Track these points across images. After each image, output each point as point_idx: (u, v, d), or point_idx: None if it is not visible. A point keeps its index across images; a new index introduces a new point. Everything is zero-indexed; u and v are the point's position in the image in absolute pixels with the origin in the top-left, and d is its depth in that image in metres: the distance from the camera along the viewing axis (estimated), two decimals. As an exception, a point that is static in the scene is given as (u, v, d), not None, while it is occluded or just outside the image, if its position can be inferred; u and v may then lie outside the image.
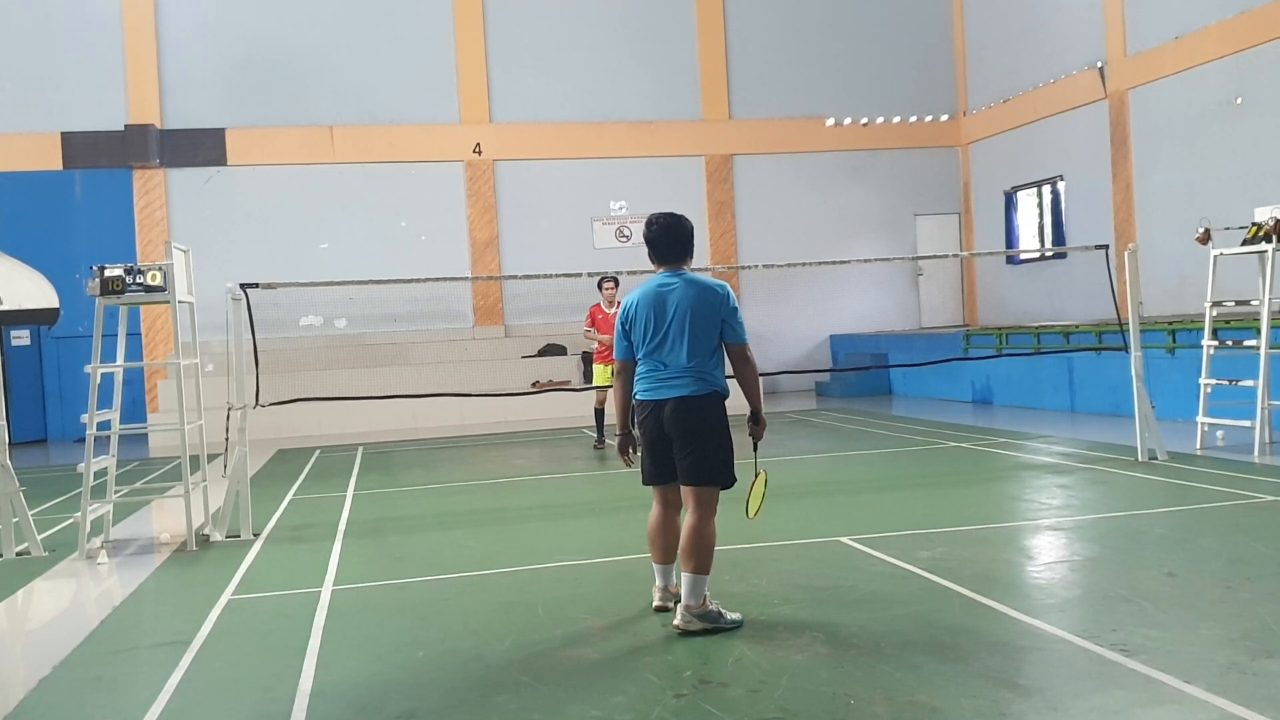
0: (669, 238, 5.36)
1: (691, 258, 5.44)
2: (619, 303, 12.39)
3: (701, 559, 5.10)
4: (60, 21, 18.72)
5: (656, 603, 5.46)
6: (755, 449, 5.52)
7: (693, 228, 5.43)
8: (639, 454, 5.47)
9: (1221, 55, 15.60)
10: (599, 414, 13.04)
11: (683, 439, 5.18)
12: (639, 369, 5.35)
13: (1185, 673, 4.19)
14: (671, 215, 5.40)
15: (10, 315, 9.35)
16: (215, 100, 19.20)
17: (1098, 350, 13.55)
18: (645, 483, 5.40)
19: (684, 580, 5.10)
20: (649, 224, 5.41)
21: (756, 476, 5.58)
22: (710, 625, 5.02)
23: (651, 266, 5.48)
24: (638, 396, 5.34)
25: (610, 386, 12.14)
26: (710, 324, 5.21)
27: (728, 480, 5.26)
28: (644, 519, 5.56)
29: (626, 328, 5.34)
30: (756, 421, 5.42)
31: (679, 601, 5.17)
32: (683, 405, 5.19)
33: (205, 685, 4.76)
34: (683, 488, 5.26)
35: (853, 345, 20.88)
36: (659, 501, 5.41)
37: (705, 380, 5.23)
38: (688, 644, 4.92)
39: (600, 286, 12.94)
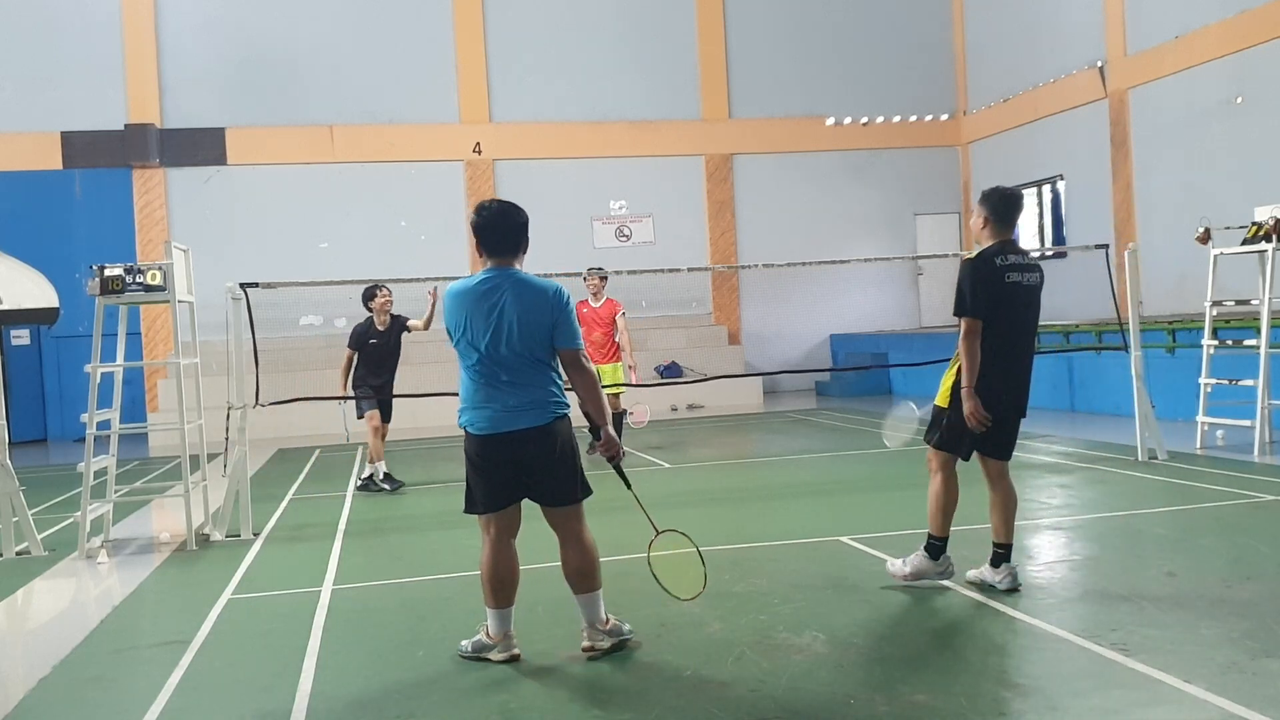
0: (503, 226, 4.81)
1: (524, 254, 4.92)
2: (610, 298, 11.66)
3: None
4: (60, 21, 18.71)
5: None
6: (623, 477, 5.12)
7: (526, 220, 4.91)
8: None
9: (1221, 55, 15.59)
10: (618, 419, 11.48)
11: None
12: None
13: (1185, 672, 4.19)
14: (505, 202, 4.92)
15: (10, 315, 9.34)
16: (215, 100, 19.19)
17: (1098, 350, 13.55)
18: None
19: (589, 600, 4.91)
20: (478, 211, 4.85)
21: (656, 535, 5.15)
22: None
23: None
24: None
25: (610, 387, 11.36)
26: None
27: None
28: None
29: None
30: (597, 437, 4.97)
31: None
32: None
33: (205, 685, 4.76)
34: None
35: (853, 345, 20.88)
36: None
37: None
38: (688, 644, 4.92)
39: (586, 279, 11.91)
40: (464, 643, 4.96)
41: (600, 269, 12.03)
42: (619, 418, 11.57)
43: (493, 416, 4.72)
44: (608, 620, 4.89)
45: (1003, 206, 5.50)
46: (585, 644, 4.84)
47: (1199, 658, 4.38)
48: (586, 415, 4.89)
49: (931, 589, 5.68)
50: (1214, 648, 4.50)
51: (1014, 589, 5.46)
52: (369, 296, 10.49)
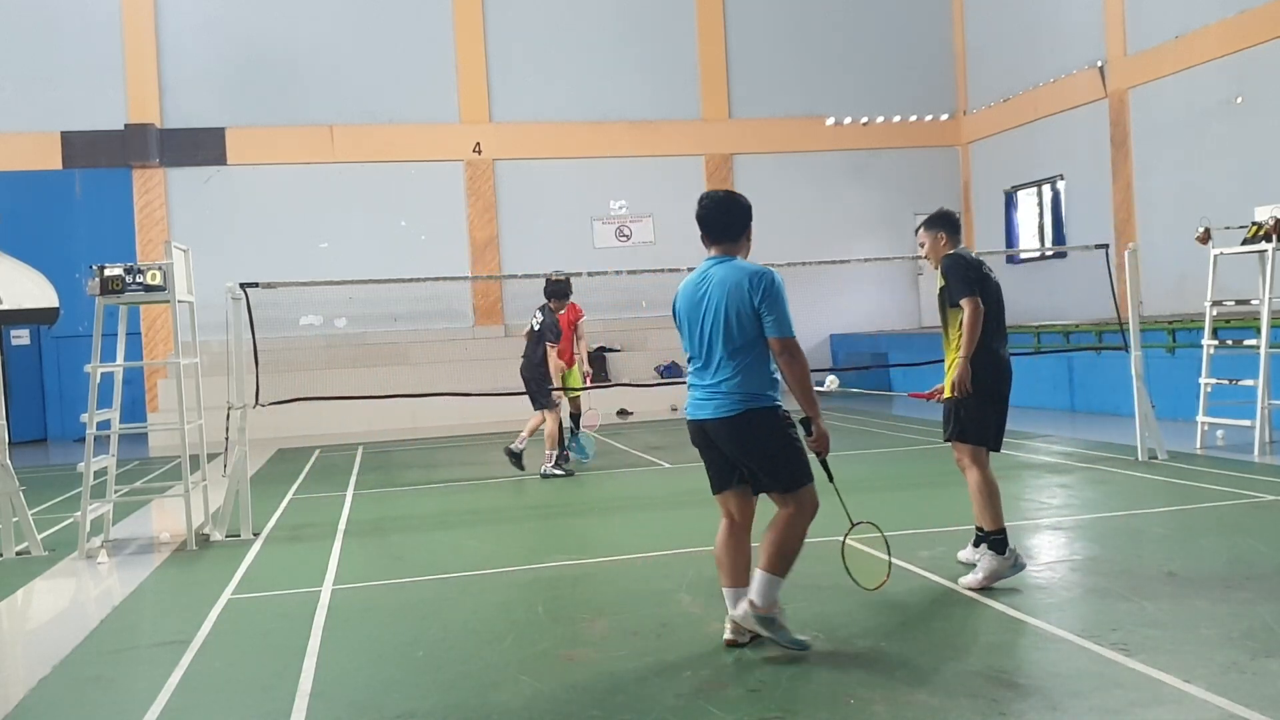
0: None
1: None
2: (572, 302, 11.35)
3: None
4: (60, 21, 18.71)
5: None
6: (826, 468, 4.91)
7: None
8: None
9: (1222, 54, 15.60)
10: (576, 420, 11.74)
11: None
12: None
13: (1185, 672, 4.19)
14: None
15: (10, 315, 9.35)
16: (215, 100, 19.19)
17: (1098, 350, 13.55)
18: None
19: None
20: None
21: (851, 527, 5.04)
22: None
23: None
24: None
25: (573, 390, 11.43)
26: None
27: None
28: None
29: None
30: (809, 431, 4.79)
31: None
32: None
33: (205, 685, 4.76)
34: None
35: (853, 344, 20.87)
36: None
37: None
38: (688, 644, 4.92)
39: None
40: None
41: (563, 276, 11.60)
42: (577, 419, 11.72)
43: (691, 403, 4.85)
44: (768, 608, 4.66)
45: (954, 222, 6.08)
46: (731, 614, 4.75)
47: (1199, 658, 4.38)
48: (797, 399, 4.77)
49: (930, 589, 5.68)
50: (1214, 648, 4.49)
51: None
52: (563, 289, 10.87)
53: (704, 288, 4.80)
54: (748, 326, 4.68)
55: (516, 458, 10.91)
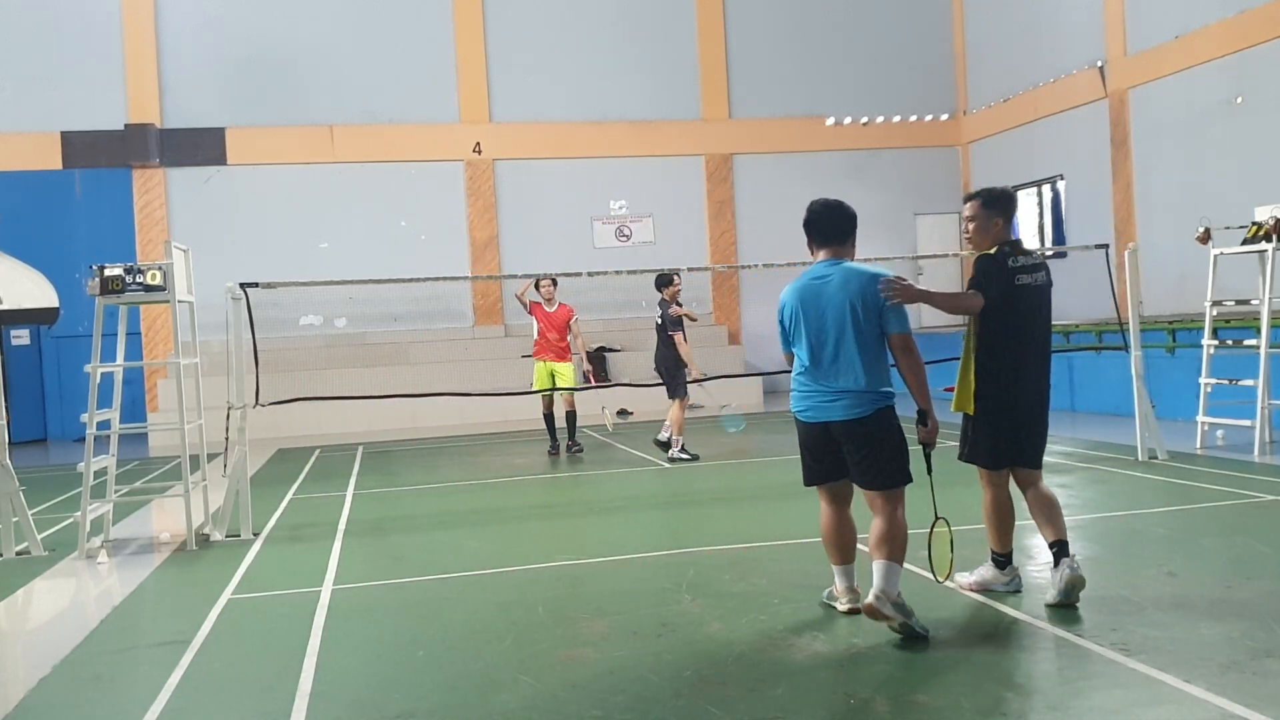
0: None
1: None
2: (562, 303, 12.27)
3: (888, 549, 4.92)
4: (60, 21, 18.71)
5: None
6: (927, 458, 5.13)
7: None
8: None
9: (1222, 54, 15.59)
10: (548, 419, 12.58)
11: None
12: None
13: (1185, 672, 4.20)
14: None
15: (10, 315, 9.36)
16: (215, 99, 19.19)
17: (1098, 350, 13.55)
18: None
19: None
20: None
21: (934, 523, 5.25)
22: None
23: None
24: None
25: (564, 389, 12.13)
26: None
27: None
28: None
29: None
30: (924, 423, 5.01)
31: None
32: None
33: (205, 685, 4.76)
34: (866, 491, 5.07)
35: (853, 345, 20.83)
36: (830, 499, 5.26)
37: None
38: (688, 644, 4.92)
39: (537, 286, 12.33)
40: (824, 591, 5.40)
41: (554, 277, 12.12)
42: (571, 415, 12.47)
43: (813, 406, 5.04)
44: (898, 592, 4.82)
45: (1012, 206, 5.64)
46: (868, 602, 4.78)
47: (1199, 658, 4.38)
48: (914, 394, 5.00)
49: (930, 589, 5.68)
50: (1214, 648, 4.50)
51: (1077, 579, 5.16)
52: (666, 278, 11.62)
53: (823, 288, 5.06)
54: (872, 326, 4.93)
55: (666, 447, 11.43)
